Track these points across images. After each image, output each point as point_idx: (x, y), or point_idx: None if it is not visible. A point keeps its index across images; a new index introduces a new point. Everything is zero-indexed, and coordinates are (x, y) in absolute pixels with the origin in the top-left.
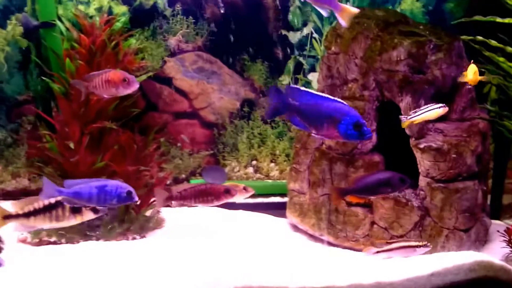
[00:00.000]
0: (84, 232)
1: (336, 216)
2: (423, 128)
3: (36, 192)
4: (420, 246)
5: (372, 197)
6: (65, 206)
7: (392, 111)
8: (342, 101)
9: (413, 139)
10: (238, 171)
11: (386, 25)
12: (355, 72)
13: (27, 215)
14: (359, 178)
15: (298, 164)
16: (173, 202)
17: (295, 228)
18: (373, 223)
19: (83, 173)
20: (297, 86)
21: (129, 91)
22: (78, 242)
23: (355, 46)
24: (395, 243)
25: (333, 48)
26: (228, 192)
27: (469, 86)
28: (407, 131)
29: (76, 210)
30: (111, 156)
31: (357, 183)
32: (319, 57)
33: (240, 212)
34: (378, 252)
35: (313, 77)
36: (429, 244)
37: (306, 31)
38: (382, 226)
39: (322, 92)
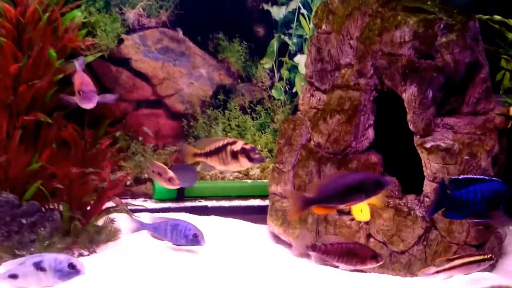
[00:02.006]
0: (13, 250)
1: (325, 227)
2: (430, 124)
3: None
4: (485, 260)
5: (341, 206)
6: (227, 150)
7: (393, 102)
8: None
9: (418, 136)
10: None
11: None
12: (350, 56)
13: (207, 154)
14: (323, 183)
15: (281, 163)
16: (312, 253)
17: (277, 238)
18: (369, 236)
19: (14, 176)
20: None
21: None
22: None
23: (350, 24)
24: (458, 260)
25: (324, 27)
26: (375, 257)
27: (484, 75)
28: (411, 127)
29: (235, 156)
30: (50, 156)
31: (323, 189)
32: (308, 36)
33: (213, 218)
34: (438, 272)
35: (300, 60)
36: (493, 256)
37: (292, 5)
38: (380, 240)
39: (311, 78)
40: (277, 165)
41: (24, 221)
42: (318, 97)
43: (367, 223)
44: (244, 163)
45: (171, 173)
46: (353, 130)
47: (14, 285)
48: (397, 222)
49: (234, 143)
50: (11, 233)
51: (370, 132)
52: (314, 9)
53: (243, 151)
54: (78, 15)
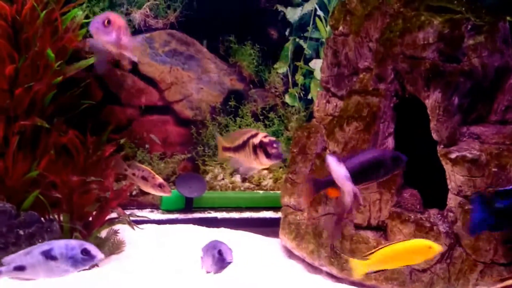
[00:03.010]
0: None
1: (341, 242)
2: (455, 133)
3: None
4: None
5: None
6: (249, 143)
7: (414, 109)
8: None
9: (442, 146)
10: (222, 179)
11: None
12: (369, 59)
13: (236, 149)
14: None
15: (294, 173)
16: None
17: (290, 253)
18: None
19: (12, 184)
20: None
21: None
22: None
23: (369, 25)
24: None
25: (341, 28)
26: None
27: None
28: (434, 136)
29: (254, 151)
30: (49, 163)
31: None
32: (324, 39)
33: (222, 230)
34: None
35: (315, 64)
36: None
37: (308, 7)
38: None
39: (327, 83)
40: (290, 175)
41: (21, 232)
42: (335, 104)
43: (386, 238)
44: (262, 160)
45: (160, 179)
46: (371, 139)
47: (21, 277)
48: (419, 238)
49: (255, 135)
50: (8, 244)
51: (390, 141)
52: (331, 11)
53: (261, 144)
54: (79, 14)
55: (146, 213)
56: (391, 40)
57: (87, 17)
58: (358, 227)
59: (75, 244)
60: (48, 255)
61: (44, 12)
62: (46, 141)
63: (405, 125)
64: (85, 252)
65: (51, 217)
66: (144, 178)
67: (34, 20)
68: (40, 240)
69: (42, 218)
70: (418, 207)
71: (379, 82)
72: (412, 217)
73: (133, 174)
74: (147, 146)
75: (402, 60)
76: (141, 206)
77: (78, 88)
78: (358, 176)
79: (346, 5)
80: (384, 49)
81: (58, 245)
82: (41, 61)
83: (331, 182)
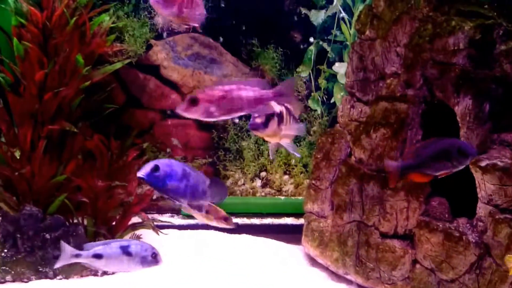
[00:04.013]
0: (36, 266)
1: (367, 251)
2: (486, 140)
3: None
4: None
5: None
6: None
7: (443, 115)
8: None
9: None
10: (243, 184)
11: (440, 2)
12: (396, 64)
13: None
14: (417, 148)
15: (318, 179)
16: None
17: (313, 261)
18: (415, 262)
19: (38, 188)
20: None
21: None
22: (28, 280)
23: (397, 30)
24: None
25: (367, 32)
26: None
27: None
28: None
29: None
30: (75, 168)
31: (420, 154)
32: (348, 43)
33: (244, 236)
34: None
35: (339, 68)
36: None
37: (332, 9)
38: (427, 267)
39: (352, 88)
40: (313, 181)
41: (47, 236)
42: (360, 109)
43: (413, 247)
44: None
45: (223, 211)
46: (399, 146)
47: (94, 264)
48: (447, 248)
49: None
50: (34, 248)
51: None
52: (355, 13)
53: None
54: (106, 20)
55: (166, 218)
56: (420, 46)
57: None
58: (384, 235)
59: (148, 246)
60: (125, 250)
61: (74, 19)
62: (72, 146)
63: (433, 132)
64: (154, 255)
65: (75, 221)
66: (207, 211)
67: (63, 26)
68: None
69: (67, 222)
70: (446, 216)
71: (407, 88)
72: (441, 226)
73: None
74: (168, 150)
75: (431, 66)
76: (161, 211)
77: (104, 92)
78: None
79: (373, 9)
80: (413, 55)
81: (135, 244)
82: (69, 66)
83: (415, 166)
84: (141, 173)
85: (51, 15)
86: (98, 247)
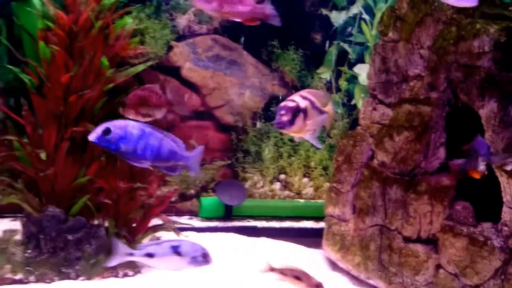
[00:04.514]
0: (59, 267)
1: (390, 255)
2: (511, 144)
3: (6, 209)
4: None
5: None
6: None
7: (467, 118)
8: None
9: None
10: (262, 187)
11: None
12: (420, 67)
13: None
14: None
15: (339, 183)
16: None
17: (333, 265)
18: (438, 266)
19: (61, 190)
20: None
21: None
22: (51, 280)
23: (421, 32)
24: None
25: (390, 34)
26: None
27: None
28: None
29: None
30: (98, 169)
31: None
32: (369, 44)
33: (263, 240)
34: None
35: (360, 70)
36: None
37: (353, 10)
38: (451, 272)
39: (374, 90)
40: (334, 184)
41: (70, 237)
42: (382, 111)
43: (436, 252)
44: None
45: (314, 278)
46: (422, 149)
47: (146, 263)
48: (471, 253)
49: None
50: (56, 249)
51: (441, 151)
52: (377, 15)
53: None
54: (129, 22)
55: (185, 220)
56: (445, 48)
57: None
58: (407, 239)
59: (198, 247)
60: (175, 250)
61: (99, 22)
62: (94, 147)
63: (455, 134)
64: (204, 255)
65: (96, 222)
66: (297, 278)
67: (88, 29)
68: (87, 246)
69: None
70: (470, 220)
71: (431, 90)
72: (465, 230)
73: (284, 274)
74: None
75: (456, 68)
76: (180, 213)
77: (126, 94)
78: None
79: (396, 11)
80: (437, 57)
81: (185, 244)
82: (93, 68)
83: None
84: (91, 137)
85: (77, 18)
86: (150, 246)
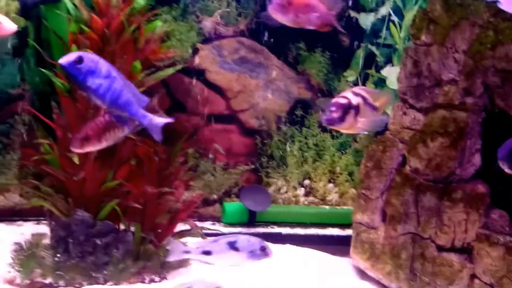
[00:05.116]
0: (88, 272)
1: (422, 264)
2: None
3: (30, 212)
4: None
5: None
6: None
7: (503, 124)
8: None
9: None
10: (286, 192)
11: (500, 8)
12: (454, 71)
13: None
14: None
15: (368, 189)
16: None
17: (362, 273)
18: (473, 276)
19: (90, 194)
20: None
21: None
22: (80, 285)
23: (456, 36)
24: None
25: (423, 38)
26: None
27: None
28: None
29: None
30: (127, 173)
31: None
32: (398, 46)
33: (288, 247)
34: None
35: (388, 73)
36: None
37: (382, 12)
38: (487, 282)
39: (404, 94)
40: (363, 191)
41: (98, 241)
42: (412, 116)
43: (471, 261)
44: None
45: None
46: (458, 156)
47: (205, 260)
48: (508, 262)
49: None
50: (84, 253)
51: (477, 158)
52: (406, 16)
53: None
54: (159, 26)
55: (207, 225)
56: (481, 53)
57: None
58: (441, 248)
59: (255, 240)
60: (233, 246)
61: (132, 27)
62: (122, 151)
63: (491, 141)
64: (262, 248)
65: (123, 227)
66: None
67: (120, 32)
68: (115, 251)
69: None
70: (507, 229)
71: (466, 96)
72: (501, 239)
73: None
74: (211, 156)
75: (493, 73)
76: (202, 218)
77: (154, 97)
78: None
79: (428, 13)
80: (473, 62)
81: (242, 239)
82: (124, 72)
83: None
84: (63, 60)
85: (110, 22)
86: (207, 244)
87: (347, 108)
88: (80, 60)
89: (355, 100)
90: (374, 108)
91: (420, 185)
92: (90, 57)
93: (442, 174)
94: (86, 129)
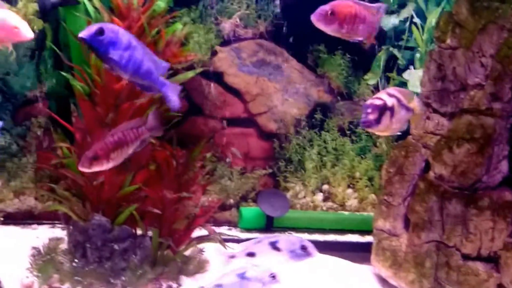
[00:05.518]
0: (106, 278)
1: (447, 273)
2: None
3: (44, 216)
4: None
5: None
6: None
7: None
8: None
9: None
10: (304, 197)
11: None
12: (481, 75)
13: None
14: None
15: (390, 195)
16: None
17: (383, 281)
18: (500, 286)
19: (108, 198)
20: None
21: None
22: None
23: (483, 39)
24: None
25: (448, 41)
26: None
27: None
28: None
29: None
30: (146, 178)
31: None
32: (420, 49)
33: None
34: None
35: (410, 76)
36: None
37: (404, 14)
38: None
39: (428, 98)
40: (385, 197)
41: (116, 247)
42: (436, 121)
43: (497, 270)
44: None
45: None
46: (484, 162)
47: (250, 262)
48: None
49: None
50: (102, 259)
51: (504, 165)
52: (429, 18)
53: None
54: (179, 28)
55: (223, 231)
56: (510, 57)
57: None
58: (466, 257)
59: (295, 240)
60: (274, 246)
61: (155, 30)
62: (140, 155)
63: None
64: (303, 248)
65: (141, 232)
66: None
67: (141, 35)
68: (133, 256)
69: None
70: None
71: (493, 101)
72: None
73: None
74: (228, 159)
75: None
76: (218, 223)
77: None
78: None
79: (454, 17)
80: (501, 66)
81: (283, 239)
82: None
83: None
84: (83, 34)
85: (131, 25)
86: (250, 246)
87: (382, 110)
88: (101, 31)
89: (390, 101)
90: (408, 109)
91: (445, 192)
92: (110, 28)
93: (468, 181)
94: (96, 149)
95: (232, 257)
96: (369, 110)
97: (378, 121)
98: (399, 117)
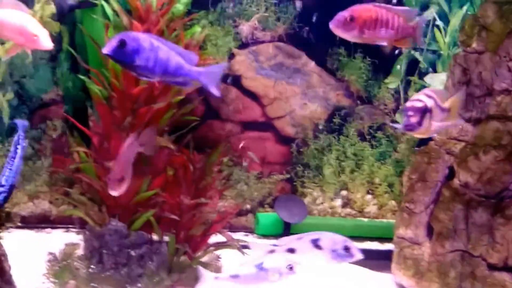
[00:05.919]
0: (123, 284)
1: (472, 284)
2: None
3: (59, 220)
4: None
5: None
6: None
7: None
8: None
9: None
10: (322, 203)
11: None
12: (508, 80)
13: None
14: None
15: (412, 202)
16: None
17: None
18: None
19: (124, 203)
20: None
21: None
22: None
23: (510, 44)
24: None
25: (474, 45)
26: None
27: None
28: None
29: None
30: (162, 183)
31: None
32: (442, 52)
33: None
34: None
35: (432, 79)
36: None
37: (426, 16)
38: None
39: None
40: (407, 204)
41: (132, 253)
42: (460, 126)
43: None
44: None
45: None
46: None
47: (290, 257)
48: None
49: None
50: (118, 265)
51: None
52: (452, 21)
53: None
54: (198, 31)
55: (240, 237)
56: None
57: None
58: (492, 267)
59: (339, 239)
60: (316, 244)
61: (175, 33)
62: (157, 160)
63: None
64: (346, 248)
65: (157, 238)
66: None
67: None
68: (150, 262)
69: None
70: None
71: None
72: None
73: None
74: (244, 164)
75: None
76: (234, 229)
77: (191, 104)
78: None
79: (480, 20)
80: None
81: (325, 237)
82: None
83: None
84: (106, 50)
85: (150, 28)
86: (291, 242)
87: (424, 112)
88: (122, 43)
89: (429, 103)
90: (444, 110)
91: (471, 201)
92: (132, 37)
93: (495, 189)
94: (119, 170)
95: (272, 252)
96: (411, 113)
97: (419, 123)
98: (436, 119)
